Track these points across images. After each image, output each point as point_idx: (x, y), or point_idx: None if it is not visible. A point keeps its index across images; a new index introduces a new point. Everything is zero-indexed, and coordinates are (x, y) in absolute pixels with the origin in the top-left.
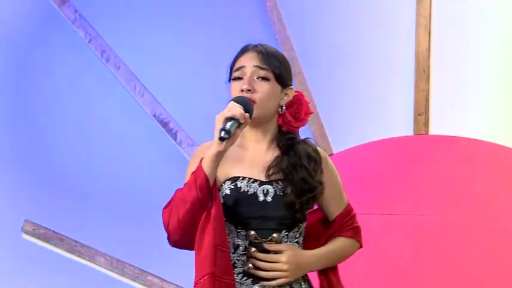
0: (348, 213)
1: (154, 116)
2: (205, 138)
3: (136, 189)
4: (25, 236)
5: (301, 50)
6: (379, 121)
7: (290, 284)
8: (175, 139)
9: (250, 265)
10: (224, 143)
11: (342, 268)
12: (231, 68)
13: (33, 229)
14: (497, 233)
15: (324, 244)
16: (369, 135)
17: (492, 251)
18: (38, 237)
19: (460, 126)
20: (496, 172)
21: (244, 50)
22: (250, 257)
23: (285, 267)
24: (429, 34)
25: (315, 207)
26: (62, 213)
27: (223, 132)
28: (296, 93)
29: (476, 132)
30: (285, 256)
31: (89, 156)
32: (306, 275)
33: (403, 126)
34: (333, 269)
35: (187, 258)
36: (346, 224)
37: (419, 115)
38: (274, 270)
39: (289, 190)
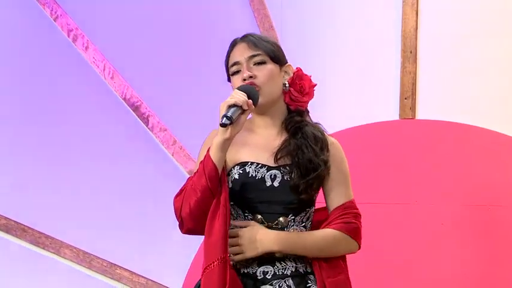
0: (347, 209)
1: (124, 99)
2: (178, 123)
3: (106, 176)
4: None
5: (281, 30)
6: (363, 105)
7: (296, 269)
8: (147, 124)
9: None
10: (229, 130)
11: None
12: (226, 65)
13: None
14: (486, 219)
15: None
16: (353, 119)
17: (482, 238)
18: None
19: (448, 110)
20: (484, 157)
21: (233, 45)
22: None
23: (239, 241)
24: (417, 13)
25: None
26: (25, 202)
27: (224, 119)
28: (295, 70)
29: (464, 116)
30: (242, 231)
31: (54, 141)
32: (308, 264)
33: (388, 111)
34: (326, 260)
35: (156, 251)
36: (340, 217)
37: (405, 98)
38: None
39: (294, 174)
